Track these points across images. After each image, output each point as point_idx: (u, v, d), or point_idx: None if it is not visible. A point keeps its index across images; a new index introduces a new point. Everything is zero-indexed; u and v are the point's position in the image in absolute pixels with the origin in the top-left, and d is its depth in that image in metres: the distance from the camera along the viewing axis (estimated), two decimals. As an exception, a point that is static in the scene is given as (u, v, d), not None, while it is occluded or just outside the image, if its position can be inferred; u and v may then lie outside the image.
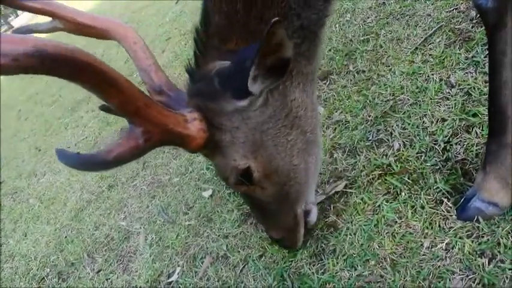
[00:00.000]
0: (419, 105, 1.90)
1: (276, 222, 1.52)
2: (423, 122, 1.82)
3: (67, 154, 0.96)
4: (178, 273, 2.08)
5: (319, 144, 1.45)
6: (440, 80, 1.94)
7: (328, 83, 2.49)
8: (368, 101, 2.14)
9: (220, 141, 1.21)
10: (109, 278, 2.40)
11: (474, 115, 1.69)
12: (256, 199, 1.40)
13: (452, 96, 1.83)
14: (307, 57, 1.28)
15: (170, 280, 2.08)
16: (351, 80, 2.38)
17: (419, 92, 1.97)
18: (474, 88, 1.78)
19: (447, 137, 1.69)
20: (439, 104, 1.84)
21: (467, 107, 1.73)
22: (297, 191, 1.40)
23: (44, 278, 2.86)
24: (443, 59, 2.02)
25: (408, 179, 1.65)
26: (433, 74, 1.99)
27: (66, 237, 3.09)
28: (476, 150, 1.58)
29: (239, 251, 1.93)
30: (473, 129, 1.64)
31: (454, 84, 1.87)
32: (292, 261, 1.70)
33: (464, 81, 1.84)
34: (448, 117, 1.76)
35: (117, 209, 2.97)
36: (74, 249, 2.85)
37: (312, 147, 1.38)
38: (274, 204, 1.41)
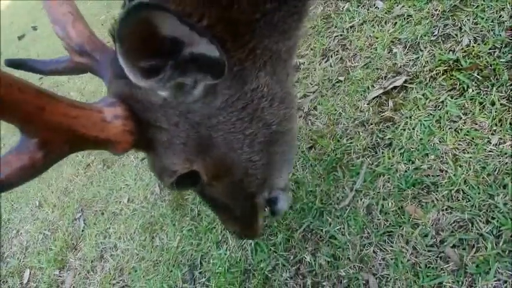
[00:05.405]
0: (497, -3, 1.71)
1: (229, 215, 1.26)
2: (500, 15, 1.64)
3: None
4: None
5: (293, 130, 1.12)
6: (525, -31, 1.72)
7: (389, -25, 2.27)
8: (435, -6, 1.95)
9: (154, 141, 0.91)
10: (153, 166, 2.47)
11: None
12: (203, 194, 1.15)
13: (538, -13, 1.63)
14: (283, 31, 0.90)
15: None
16: (416, -28, 2.15)
17: (497, -17, 1.76)
18: None
19: (527, 32, 1.53)
20: (521, -3, 1.65)
21: (556, -1, 1.55)
22: (257, 185, 1.12)
23: (89, 164, 2.99)
24: None
25: (478, 75, 1.53)
26: (516, -37, 1.76)
27: (109, 127, 3.15)
28: (561, 45, 1.43)
29: (286, 144, 1.91)
30: (561, 24, 1.48)
31: (542, -27, 1.66)
32: (344, 153, 1.67)
33: (555, -30, 1.63)
34: (531, 10, 1.58)
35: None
36: (117, 139, 2.92)
37: (281, 137, 1.06)
38: (227, 200, 1.15)
